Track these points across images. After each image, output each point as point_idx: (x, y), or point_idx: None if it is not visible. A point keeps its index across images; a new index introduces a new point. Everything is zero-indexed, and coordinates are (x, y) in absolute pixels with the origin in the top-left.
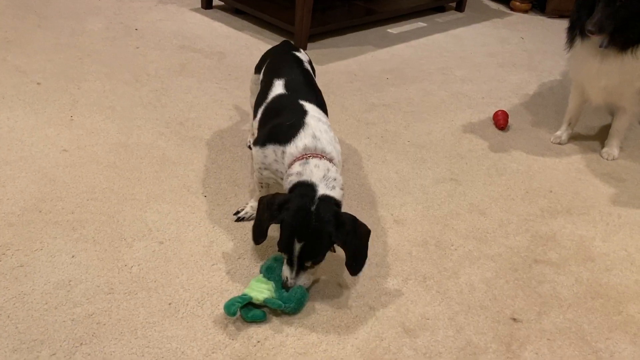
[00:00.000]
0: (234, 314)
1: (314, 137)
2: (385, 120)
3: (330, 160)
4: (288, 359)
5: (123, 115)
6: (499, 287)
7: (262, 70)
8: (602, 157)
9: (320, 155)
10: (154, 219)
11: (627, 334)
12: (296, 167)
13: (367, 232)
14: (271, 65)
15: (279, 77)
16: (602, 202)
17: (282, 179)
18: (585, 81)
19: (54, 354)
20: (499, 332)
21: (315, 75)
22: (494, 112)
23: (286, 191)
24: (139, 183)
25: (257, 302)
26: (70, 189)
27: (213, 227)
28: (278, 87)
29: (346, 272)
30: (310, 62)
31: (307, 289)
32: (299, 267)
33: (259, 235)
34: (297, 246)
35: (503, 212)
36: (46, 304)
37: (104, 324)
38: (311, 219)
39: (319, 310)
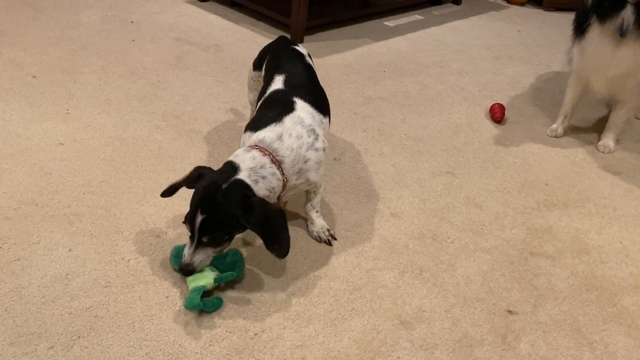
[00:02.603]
0: (198, 305)
1: (279, 137)
2: (381, 114)
3: (278, 162)
4: (285, 351)
5: (119, 109)
6: (495, 279)
7: (263, 67)
8: (598, 150)
9: (267, 152)
10: (150, 212)
11: (622, 326)
12: (239, 151)
13: (279, 213)
14: (272, 61)
15: (279, 72)
16: (597, 195)
17: None
18: (592, 72)
19: (51, 347)
20: (495, 324)
21: (315, 68)
22: (490, 105)
23: None
24: (135, 176)
25: (211, 287)
26: (67, 182)
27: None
28: (277, 83)
29: (341, 266)
30: (309, 56)
31: (235, 261)
32: (198, 242)
33: (168, 190)
34: (199, 218)
35: (499, 205)
36: (43, 297)
37: (102, 317)
38: (218, 195)
39: (316, 302)
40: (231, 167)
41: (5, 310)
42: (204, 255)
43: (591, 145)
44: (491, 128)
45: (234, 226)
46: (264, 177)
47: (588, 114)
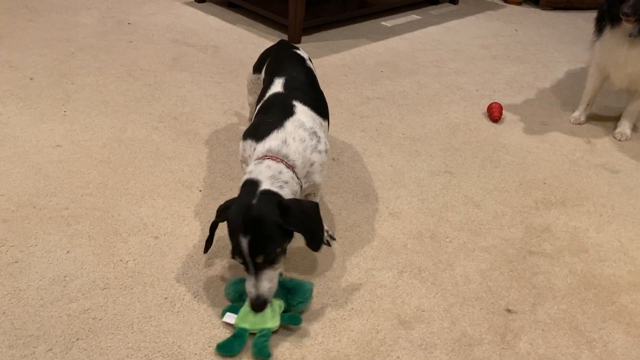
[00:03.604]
0: (269, 354)
1: (284, 142)
2: (379, 114)
3: (291, 167)
4: (284, 351)
5: (116, 110)
6: (494, 278)
7: (264, 70)
8: (615, 137)
9: (279, 159)
10: (148, 214)
11: (620, 324)
12: (250, 166)
13: (314, 207)
14: (272, 64)
15: (279, 75)
16: (596, 194)
17: None
18: (612, 68)
19: (50, 349)
20: (494, 323)
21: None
22: (488, 105)
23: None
24: (133, 178)
25: (276, 329)
26: (65, 184)
27: (208, 222)
28: (277, 86)
29: (340, 266)
30: (310, 60)
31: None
32: (255, 268)
33: (207, 240)
34: (245, 242)
35: (497, 204)
36: (42, 299)
37: (100, 319)
38: (252, 211)
39: (315, 303)
40: (252, 184)
41: (4, 312)
42: (268, 280)
43: (589, 144)
44: (489, 127)
45: (280, 236)
46: (286, 182)
47: (593, 109)
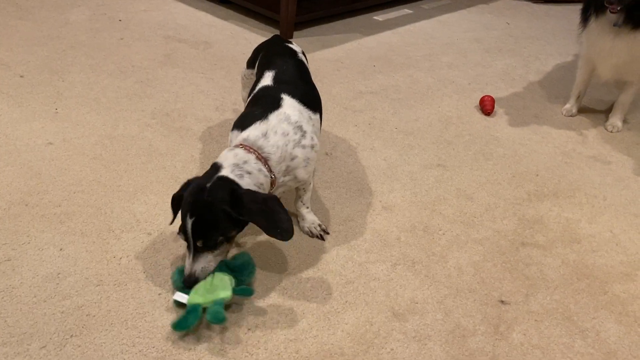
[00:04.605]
0: (224, 319)
1: (264, 134)
2: (372, 108)
3: (264, 159)
4: (279, 345)
5: (108, 107)
6: (487, 270)
7: (256, 65)
8: (606, 129)
9: (252, 149)
10: (141, 210)
11: (613, 314)
12: (224, 151)
13: (271, 198)
14: (264, 58)
15: (270, 69)
16: (587, 185)
17: None
18: (598, 58)
19: (44, 347)
20: (487, 314)
21: (308, 65)
22: (480, 98)
23: None
24: (125, 175)
25: (229, 299)
26: (57, 182)
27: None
28: (267, 79)
29: (334, 260)
30: (303, 53)
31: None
32: (195, 249)
33: (174, 212)
34: (189, 223)
35: (490, 196)
36: (35, 297)
37: (94, 316)
38: (203, 194)
39: (309, 297)
40: (214, 168)
41: None
42: (204, 262)
43: (581, 136)
44: (481, 120)
45: (228, 224)
46: (249, 172)
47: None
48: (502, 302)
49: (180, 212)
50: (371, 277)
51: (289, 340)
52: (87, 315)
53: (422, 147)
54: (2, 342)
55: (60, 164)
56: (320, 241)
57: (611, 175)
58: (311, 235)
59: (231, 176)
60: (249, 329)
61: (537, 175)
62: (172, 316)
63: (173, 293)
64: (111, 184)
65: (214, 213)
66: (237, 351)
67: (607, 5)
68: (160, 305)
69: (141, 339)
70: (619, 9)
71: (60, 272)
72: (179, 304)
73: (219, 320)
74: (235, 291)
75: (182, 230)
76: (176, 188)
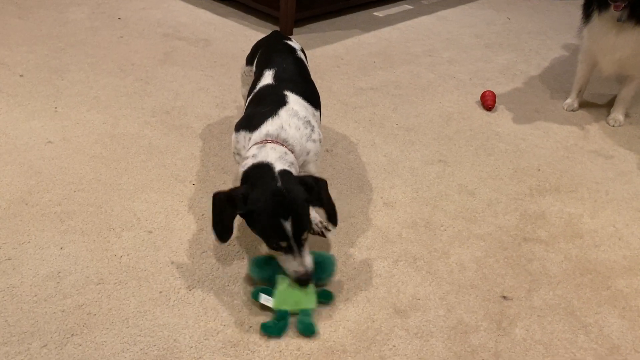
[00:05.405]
0: (314, 332)
1: (282, 127)
2: (373, 104)
3: (291, 151)
4: (280, 343)
5: (108, 105)
6: (489, 266)
7: (255, 62)
8: (608, 123)
9: (279, 142)
10: (142, 209)
11: (616, 308)
12: (252, 150)
13: (326, 184)
14: (263, 56)
15: (269, 67)
16: (589, 180)
17: None
18: (600, 53)
19: (44, 346)
20: (490, 310)
21: (307, 63)
22: (481, 93)
23: (240, 175)
24: (126, 173)
25: (313, 307)
26: (57, 180)
27: (202, 215)
28: (267, 78)
29: (337, 256)
30: (302, 50)
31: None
32: (300, 246)
33: (223, 231)
34: (288, 225)
35: (492, 191)
36: (35, 296)
37: (95, 314)
38: (284, 193)
39: None
40: (264, 166)
41: None
42: (309, 255)
43: (582, 130)
44: (482, 115)
45: (309, 212)
46: (292, 163)
47: (585, 97)
48: (504, 297)
49: (263, 227)
50: (373, 273)
51: (291, 337)
52: (87, 314)
53: (423, 142)
54: (3, 341)
55: (60, 162)
56: (321, 238)
57: (613, 170)
58: (312, 232)
59: (287, 167)
60: (250, 327)
61: (539, 170)
62: (173, 314)
63: (254, 287)
64: (111, 183)
65: (302, 204)
66: (239, 349)
67: (611, 3)
68: (161, 303)
69: (142, 337)
70: (623, 6)
71: (60, 271)
72: (263, 306)
73: (312, 332)
74: (317, 297)
75: (280, 238)
76: (177, 186)
